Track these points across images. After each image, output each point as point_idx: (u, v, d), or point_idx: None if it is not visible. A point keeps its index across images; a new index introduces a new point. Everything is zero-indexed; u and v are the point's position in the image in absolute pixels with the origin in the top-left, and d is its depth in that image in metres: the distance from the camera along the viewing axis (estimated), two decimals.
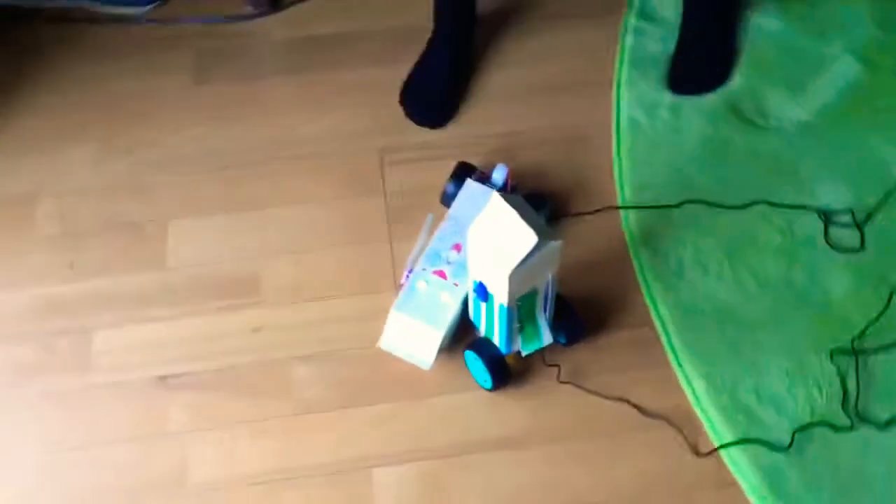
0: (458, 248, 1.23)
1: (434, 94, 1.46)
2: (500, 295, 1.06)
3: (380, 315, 1.23)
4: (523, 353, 1.17)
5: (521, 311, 1.10)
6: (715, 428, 1.16)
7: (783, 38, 1.50)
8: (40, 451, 1.19)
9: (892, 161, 1.36)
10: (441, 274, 1.21)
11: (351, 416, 1.20)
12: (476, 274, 1.09)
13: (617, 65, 1.50)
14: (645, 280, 1.28)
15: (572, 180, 1.38)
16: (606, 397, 1.19)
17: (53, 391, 1.23)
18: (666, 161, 1.39)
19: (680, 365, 1.21)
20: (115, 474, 1.16)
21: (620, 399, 1.19)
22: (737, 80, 1.46)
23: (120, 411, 1.21)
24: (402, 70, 1.50)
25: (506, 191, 1.28)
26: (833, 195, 1.33)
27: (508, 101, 1.48)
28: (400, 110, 1.46)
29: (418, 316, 1.17)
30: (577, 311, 1.21)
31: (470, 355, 1.18)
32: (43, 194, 1.41)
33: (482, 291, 1.08)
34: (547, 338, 1.17)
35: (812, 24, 1.51)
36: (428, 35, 1.50)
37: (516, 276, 1.01)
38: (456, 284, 1.20)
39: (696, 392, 1.19)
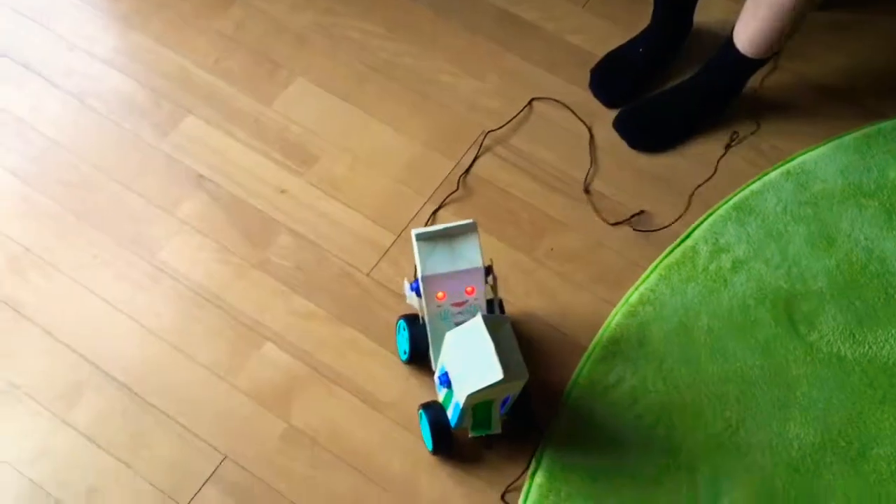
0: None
1: (621, 78, 1.58)
2: (459, 395, 1.13)
3: (373, 246, 1.41)
4: (470, 435, 1.22)
5: (475, 410, 1.16)
6: None
7: None
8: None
9: None
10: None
11: (287, 296, 1.38)
12: (444, 363, 1.17)
13: None
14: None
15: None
16: None
17: (133, 132, 1.52)
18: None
19: None
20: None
21: None
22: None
23: (156, 174, 1.49)
24: (562, 84, 1.60)
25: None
26: None
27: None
28: (531, 118, 1.57)
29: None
30: (533, 407, 1.25)
31: (423, 415, 1.24)
32: (240, 3, 1.68)
33: (445, 380, 1.16)
34: (496, 429, 1.20)
35: None
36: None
37: (475, 395, 1.10)
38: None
39: None
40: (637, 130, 1.53)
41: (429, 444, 1.25)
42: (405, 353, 1.30)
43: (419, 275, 1.15)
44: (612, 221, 1.46)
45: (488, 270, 1.18)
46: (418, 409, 1.25)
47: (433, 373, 1.26)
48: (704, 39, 1.63)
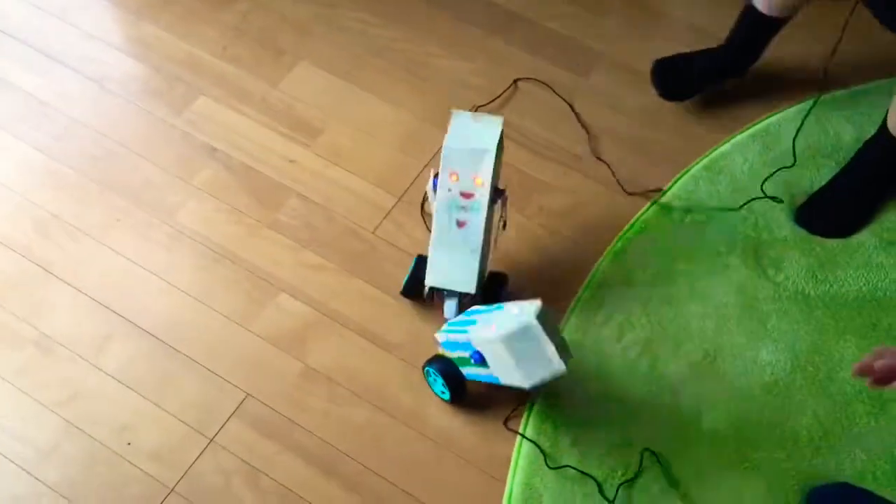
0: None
1: (682, 73, 1.66)
2: (509, 380, 1.23)
3: (377, 207, 1.53)
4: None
5: None
6: None
7: None
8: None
9: None
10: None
11: (298, 251, 1.50)
12: (480, 346, 1.24)
13: None
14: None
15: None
16: None
17: (149, 111, 1.64)
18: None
19: None
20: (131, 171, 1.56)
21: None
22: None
23: (172, 148, 1.60)
24: (542, 65, 1.74)
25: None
26: None
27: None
28: (516, 96, 1.71)
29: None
30: None
31: (429, 371, 1.32)
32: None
33: (479, 359, 1.24)
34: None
35: None
36: None
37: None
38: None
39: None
40: (821, 223, 1.56)
41: (443, 396, 1.34)
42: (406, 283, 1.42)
43: (443, 144, 1.30)
44: (629, 191, 1.58)
45: (501, 192, 1.33)
46: (423, 367, 1.34)
47: (435, 316, 1.38)
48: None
